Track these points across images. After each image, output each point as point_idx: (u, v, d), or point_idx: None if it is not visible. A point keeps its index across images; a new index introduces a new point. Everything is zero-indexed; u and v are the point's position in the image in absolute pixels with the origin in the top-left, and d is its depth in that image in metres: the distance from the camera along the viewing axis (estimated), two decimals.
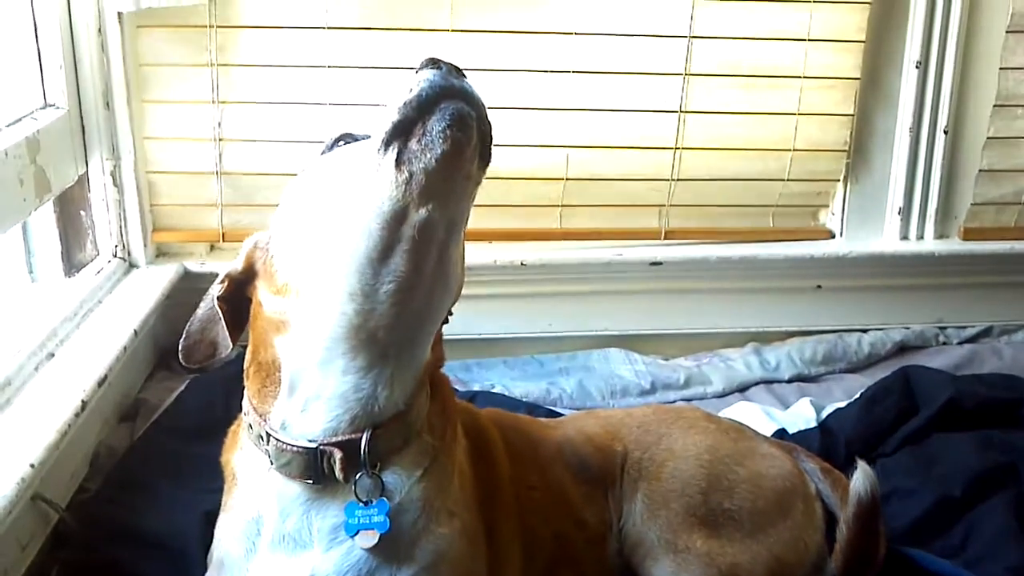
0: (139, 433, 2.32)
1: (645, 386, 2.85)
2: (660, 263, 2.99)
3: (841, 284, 3.13)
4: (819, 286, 3.12)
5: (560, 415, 2.45)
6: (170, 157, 2.76)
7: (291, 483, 1.41)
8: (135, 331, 2.38)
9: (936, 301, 3.19)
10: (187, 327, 1.57)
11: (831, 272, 3.10)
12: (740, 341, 3.09)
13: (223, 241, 2.84)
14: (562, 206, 2.92)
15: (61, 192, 2.48)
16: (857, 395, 2.70)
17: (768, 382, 2.93)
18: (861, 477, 1.83)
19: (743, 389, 2.90)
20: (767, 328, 3.12)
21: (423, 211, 1.27)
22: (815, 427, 2.57)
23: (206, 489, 2.08)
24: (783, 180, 3.04)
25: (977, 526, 2.20)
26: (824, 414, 2.67)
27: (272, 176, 2.79)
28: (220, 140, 2.74)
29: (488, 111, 1.32)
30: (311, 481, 1.40)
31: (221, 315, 1.51)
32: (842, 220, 3.13)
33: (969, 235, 3.16)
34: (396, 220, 1.28)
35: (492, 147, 1.33)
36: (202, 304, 1.56)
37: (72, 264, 2.62)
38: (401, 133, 1.27)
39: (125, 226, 2.72)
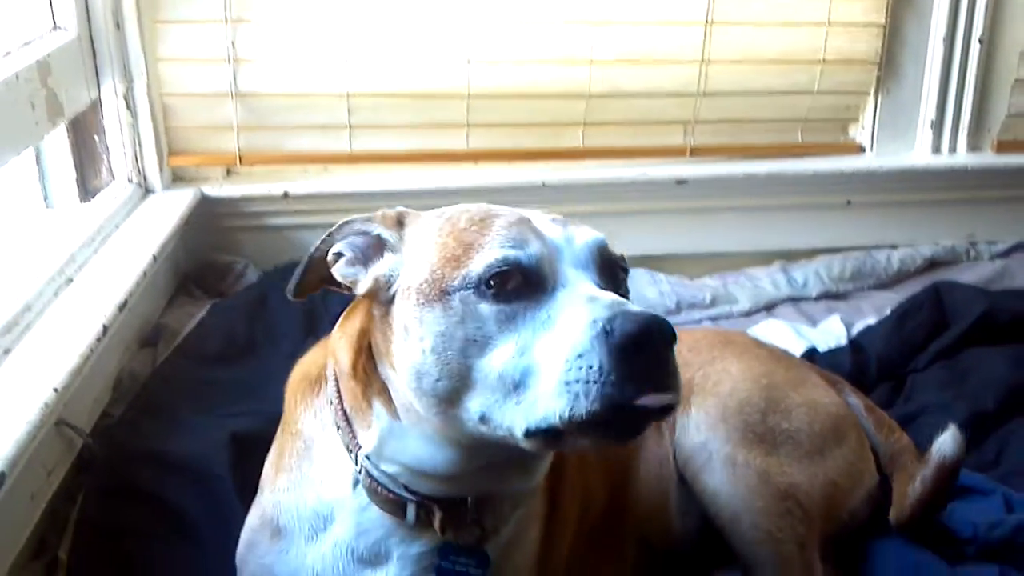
0: (161, 359, 2.30)
1: (670, 306, 2.81)
2: (685, 181, 2.93)
3: (871, 199, 3.06)
4: (848, 202, 3.06)
5: None
6: (184, 79, 2.70)
7: (375, 507, 1.35)
8: (154, 256, 2.35)
9: (967, 216, 3.13)
10: (300, 271, 1.38)
11: (861, 187, 3.04)
12: (767, 259, 3.05)
13: (240, 164, 2.79)
14: (585, 124, 2.86)
15: (74, 117, 2.44)
16: (887, 312, 2.67)
17: (795, 300, 2.89)
18: (951, 440, 1.80)
19: (770, 307, 2.87)
20: (795, 246, 3.07)
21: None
22: (846, 344, 2.54)
23: (230, 413, 2.08)
24: (812, 93, 2.96)
25: (1011, 440, 2.18)
26: (854, 331, 2.64)
27: (289, 97, 2.73)
28: (235, 60, 2.67)
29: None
30: (404, 519, 1.34)
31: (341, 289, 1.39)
32: (872, 134, 3.05)
33: (1003, 148, 3.09)
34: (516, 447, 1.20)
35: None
36: (312, 256, 1.37)
37: (87, 190, 2.58)
38: (554, 433, 1.14)
39: (140, 151, 2.67)
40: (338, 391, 1.37)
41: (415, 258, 1.28)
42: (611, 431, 1.12)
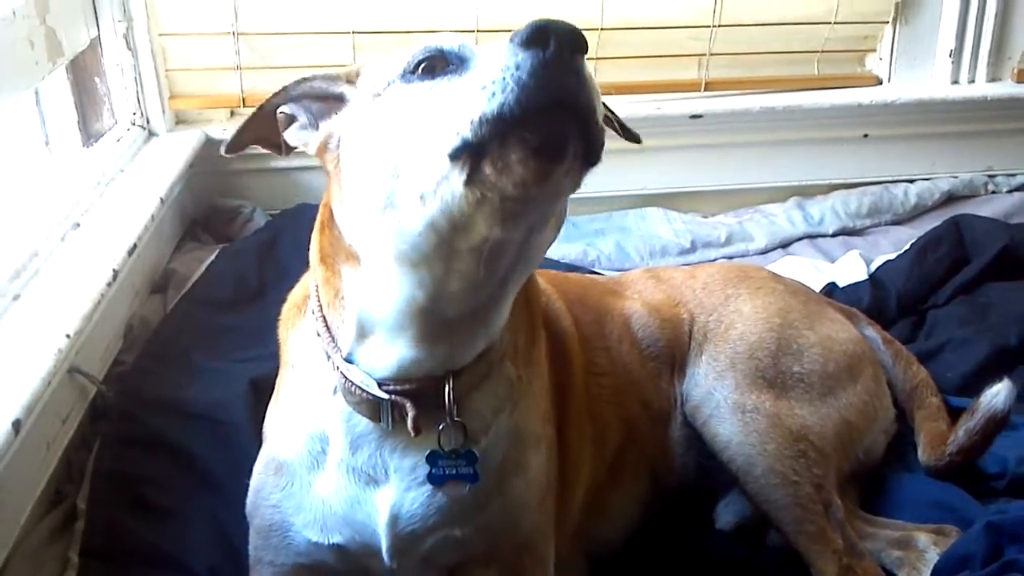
0: (171, 304, 2.27)
1: (685, 245, 2.77)
2: (700, 116, 2.87)
3: (888, 133, 3.01)
4: (866, 135, 3.00)
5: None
6: (184, 18, 2.63)
7: (360, 416, 1.30)
8: (161, 199, 2.31)
9: (986, 148, 3.08)
10: (244, 124, 1.37)
11: (878, 120, 2.98)
12: (782, 195, 3.00)
13: (243, 106, 2.73)
14: (597, 59, 2.78)
15: (74, 58, 2.37)
16: (906, 247, 2.63)
17: (812, 237, 2.86)
18: (1004, 392, 1.76)
19: (786, 245, 2.83)
20: (810, 181, 3.02)
21: (496, 230, 1.10)
22: (865, 280, 2.50)
23: (244, 359, 2.05)
24: (829, 24, 2.90)
25: None
26: (873, 267, 2.60)
27: (292, 36, 2.67)
28: None
29: (600, 102, 1.08)
30: (382, 424, 1.29)
31: (280, 123, 1.35)
32: (890, 65, 3.00)
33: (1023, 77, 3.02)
34: (465, 230, 1.11)
35: (602, 149, 1.09)
36: (263, 107, 1.36)
37: (89, 134, 2.53)
38: (472, 153, 1.05)
39: (142, 92, 2.61)
40: (319, 300, 1.33)
41: (357, 101, 1.27)
42: (530, 132, 1.03)
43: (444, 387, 1.26)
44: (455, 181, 1.07)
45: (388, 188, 1.14)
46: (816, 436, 1.69)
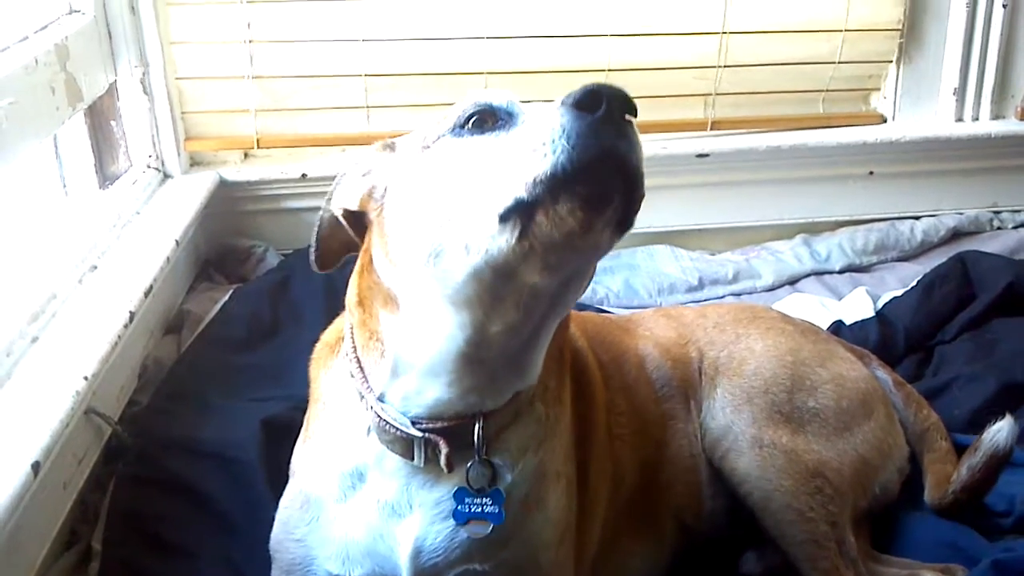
0: (186, 345, 2.29)
1: (692, 282, 2.79)
2: (707, 155, 2.90)
3: (893, 170, 3.03)
4: (871, 172, 3.03)
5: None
6: (199, 62, 2.68)
7: (391, 453, 1.33)
8: (176, 241, 2.34)
9: (991, 184, 3.10)
10: (315, 237, 1.46)
11: (883, 158, 3.00)
12: (789, 233, 3.02)
13: (258, 148, 2.78)
14: None
15: (92, 102, 2.41)
16: (913, 283, 2.64)
17: (819, 274, 2.87)
18: (1006, 430, 1.77)
19: (793, 282, 2.85)
20: (817, 218, 3.05)
21: (537, 277, 1.14)
22: (872, 317, 2.52)
23: (258, 398, 2.07)
24: (834, 63, 2.93)
25: None
26: (880, 303, 2.61)
27: (305, 79, 2.71)
28: (250, 42, 2.65)
29: (642, 165, 1.11)
30: (414, 461, 1.32)
31: (347, 224, 1.41)
32: (895, 103, 3.03)
33: None
34: (508, 276, 1.15)
35: (637, 215, 1.14)
36: (323, 213, 1.45)
37: (106, 176, 2.57)
38: (524, 212, 1.10)
39: (157, 135, 2.65)
40: (353, 342, 1.37)
41: (404, 152, 1.32)
42: (581, 187, 1.08)
43: (475, 425, 1.29)
44: (503, 239, 1.11)
45: (435, 238, 1.18)
46: (833, 473, 1.71)
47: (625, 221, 1.13)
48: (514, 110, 1.20)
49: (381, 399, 1.32)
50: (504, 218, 1.11)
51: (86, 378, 1.76)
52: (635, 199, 1.12)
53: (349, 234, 1.41)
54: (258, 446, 1.86)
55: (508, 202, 1.10)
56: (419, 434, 1.29)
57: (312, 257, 1.47)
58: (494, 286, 1.16)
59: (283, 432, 1.74)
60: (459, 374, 1.26)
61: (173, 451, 1.89)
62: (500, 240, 1.11)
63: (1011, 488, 1.85)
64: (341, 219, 1.40)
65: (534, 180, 1.08)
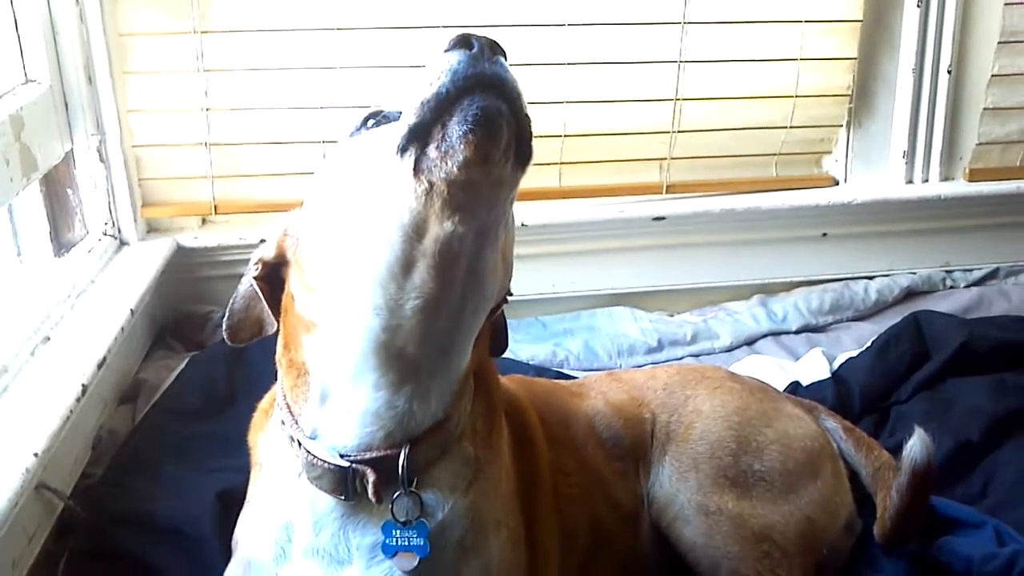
0: (141, 415, 2.26)
1: (652, 344, 2.80)
2: (663, 218, 2.93)
3: (846, 231, 3.08)
4: (824, 234, 3.07)
5: (570, 377, 2.41)
6: (156, 130, 2.67)
7: (324, 495, 1.33)
8: (131, 310, 2.32)
9: (942, 244, 3.15)
10: (230, 306, 1.48)
11: (836, 219, 3.05)
12: (746, 293, 3.06)
13: (215, 214, 2.77)
14: (561, 164, 2.86)
15: (47, 171, 2.40)
16: (868, 343, 2.68)
17: (776, 334, 2.90)
18: (919, 444, 1.79)
19: (751, 342, 2.87)
20: (773, 279, 3.08)
21: (447, 224, 1.14)
22: (828, 378, 2.54)
23: (214, 469, 2.04)
24: (786, 128, 2.98)
25: (997, 472, 2.18)
26: (836, 364, 2.64)
27: (263, 145, 2.72)
28: (207, 110, 2.66)
29: (521, 89, 1.15)
30: (344, 498, 1.31)
31: (261, 295, 1.42)
32: (846, 166, 3.08)
33: (975, 176, 3.11)
34: (416, 233, 1.15)
35: (532, 143, 1.18)
36: (241, 283, 1.48)
37: (61, 244, 2.54)
38: (418, 137, 1.12)
39: (114, 203, 2.64)
40: (283, 392, 1.38)
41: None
42: (466, 103, 1.11)
43: (400, 456, 1.29)
44: (404, 174, 1.14)
45: (343, 220, 1.22)
46: (779, 535, 1.71)
47: (521, 153, 1.16)
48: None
49: (313, 436, 1.32)
50: (403, 149, 1.14)
51: (36, 455, 1.72)
52: (523, 126, 1.15)
53: (264, 310, 1.44)
54: (213, 519, 1.83)
55: (403, 132, 1.14)
56: (346, 464, 1.29)
57: (224, 326, 1.49)
58: (404, 247, 1.17)
59: (239, 504, 1.70)
60: (383, 369, 1.25)
61: (126, 526, 1.86)
62: (402, 179, 1.14)
63: (967, 548, 1.87)
64: (257, 290, 1.42)
65: (421, 104, 1.12)
